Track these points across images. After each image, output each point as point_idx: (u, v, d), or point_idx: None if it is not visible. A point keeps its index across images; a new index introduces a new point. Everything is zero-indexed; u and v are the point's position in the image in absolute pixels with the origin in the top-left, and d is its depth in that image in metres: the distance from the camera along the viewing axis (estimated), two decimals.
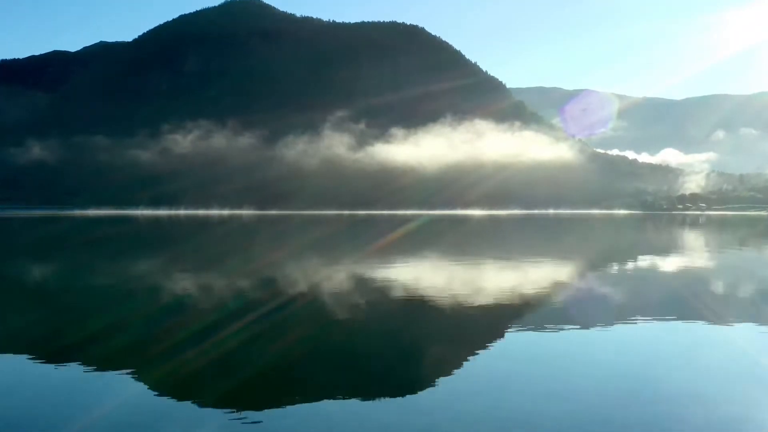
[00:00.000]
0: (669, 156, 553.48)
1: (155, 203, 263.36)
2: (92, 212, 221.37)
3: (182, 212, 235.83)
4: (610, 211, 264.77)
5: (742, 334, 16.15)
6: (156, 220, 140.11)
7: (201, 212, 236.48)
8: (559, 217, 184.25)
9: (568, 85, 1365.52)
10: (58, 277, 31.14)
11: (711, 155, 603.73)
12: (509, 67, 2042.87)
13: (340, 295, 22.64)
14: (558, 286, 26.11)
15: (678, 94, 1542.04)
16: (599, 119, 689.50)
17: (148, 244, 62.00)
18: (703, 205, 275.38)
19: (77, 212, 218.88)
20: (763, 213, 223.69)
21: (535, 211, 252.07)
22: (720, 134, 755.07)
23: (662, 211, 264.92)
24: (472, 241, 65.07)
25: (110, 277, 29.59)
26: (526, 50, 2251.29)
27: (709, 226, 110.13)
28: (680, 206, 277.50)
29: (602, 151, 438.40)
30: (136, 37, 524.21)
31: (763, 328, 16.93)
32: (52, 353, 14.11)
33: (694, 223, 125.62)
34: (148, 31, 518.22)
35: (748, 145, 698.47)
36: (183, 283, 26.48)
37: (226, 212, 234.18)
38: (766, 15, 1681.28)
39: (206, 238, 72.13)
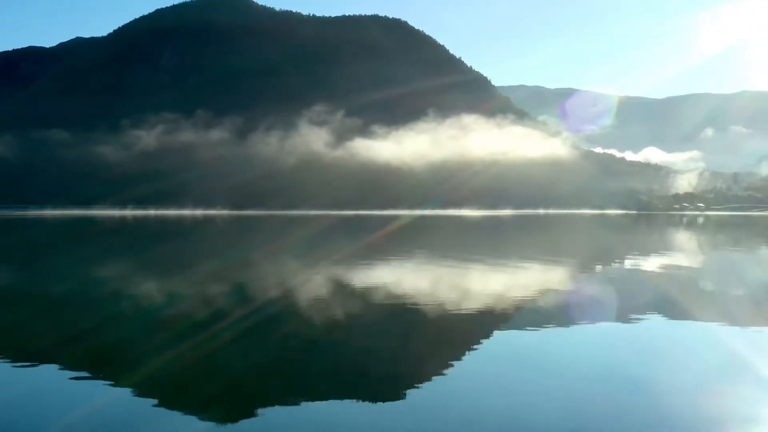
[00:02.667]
0: (651, 155, 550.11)
1: (122, 203, 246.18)
2: (49, 212, 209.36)
3: (152, 213, 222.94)
4: (604, 210, 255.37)
5: (730, 333, 16.16)
6: (121, 222, 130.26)
7: (172, 212, 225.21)
8: (554, 217, 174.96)
9: (550, 84, 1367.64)
10: (23, 282, 28.85)
11: (694, 154, 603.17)
12: (491, 64, 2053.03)
13: (323, 299, 22.21)
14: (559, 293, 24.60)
15: (658, 94, 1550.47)
16: (588, 117, 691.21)
17: (116, 249, 54.86)
18: (701, 205, 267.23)
19: (32, 212, 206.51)
20: (766, 213, 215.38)
21: (527, 211, 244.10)
22: (708, 132, 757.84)
23: (658, 211, 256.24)
24: (459, 242, 63.02)
25: (77, 283, 27.71)
26: (507, 48, 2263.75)
27: (716, 228, 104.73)
28: (677, 206, 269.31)
29: (589, 149, 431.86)
30: (111, 31, 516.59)
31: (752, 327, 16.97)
32: (28, 357, 13.76)
33: (694, 224, 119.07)
34: (123, 26, 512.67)
35: (732, 143, 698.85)
36: (161, 289, 25.34)
37: (199, 212, 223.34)
38: (744, 15, 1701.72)
39: (181, 243, 64.82)
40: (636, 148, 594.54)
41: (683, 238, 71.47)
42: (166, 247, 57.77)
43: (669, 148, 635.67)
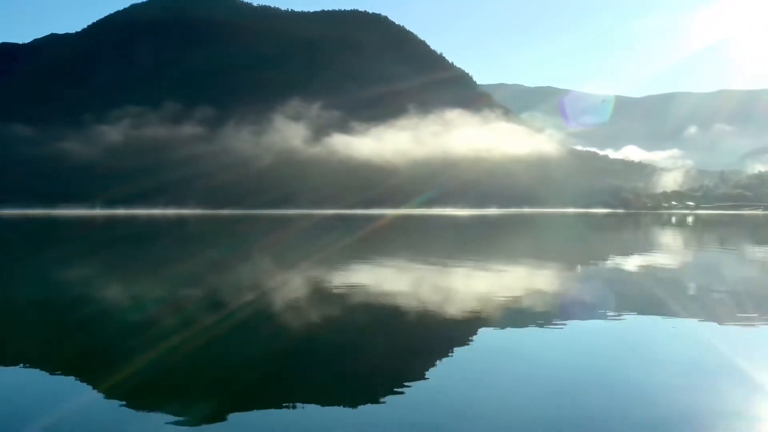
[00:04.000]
0: (631, 153, 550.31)
1: (90, 202, 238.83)
2: (7, 212, 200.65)
3: (121, 212, 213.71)
4: (590, 209, 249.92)
5: (719, 331, 15.96)
6: (90, 223, 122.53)
7: (142, 212, 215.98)
8: (541, 217, 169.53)
9: (530, 83, 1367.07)
10: None
11: (674, 152, 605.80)
12: (471, 62, 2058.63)
13: (308, 300, 21.57)
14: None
15: (639, 92, 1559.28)
16: (580, 116, 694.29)
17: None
18: (691, 203, 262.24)
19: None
20: (760, 212, 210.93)
21: (513, 210, 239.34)
22: (692, 130, 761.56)
23: (645, 209, 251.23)
24: (445, 243, 60.77)
25: (52, 286, 25.96)
26: (488, 47, 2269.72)
27: (709, 227, 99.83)
28: (665, 204, 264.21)
29: (573, 147, 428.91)
30: (85, 27, 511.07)
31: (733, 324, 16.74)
32: (6, 359, 13.55)
33: (684, 224, 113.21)
34: (97, 21, 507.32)
35: (716, 141, 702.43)
36: (134, 291, 24.07)
37: (171, 212, 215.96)
38: (726, 14, 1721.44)
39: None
40: (616, 146, 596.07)
41: (678, 238, 68.80)
42: (140, 250, 52.97)
43: (650, 147, 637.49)
